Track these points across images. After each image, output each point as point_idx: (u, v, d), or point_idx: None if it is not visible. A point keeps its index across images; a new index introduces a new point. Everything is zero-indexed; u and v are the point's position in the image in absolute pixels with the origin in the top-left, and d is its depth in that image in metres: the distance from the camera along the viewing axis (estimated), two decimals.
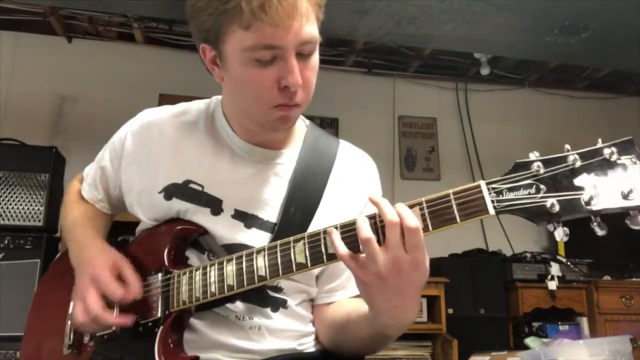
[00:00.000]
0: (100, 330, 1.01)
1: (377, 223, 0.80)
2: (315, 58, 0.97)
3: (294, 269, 0.87)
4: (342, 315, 1.02)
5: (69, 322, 1.09)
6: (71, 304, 1.07)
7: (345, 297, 1.06)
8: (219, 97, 1.15)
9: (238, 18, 0.88)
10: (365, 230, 0.78)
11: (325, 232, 0.85)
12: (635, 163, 0.71)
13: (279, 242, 0.90)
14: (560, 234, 0.74)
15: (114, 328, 1.01)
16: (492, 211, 0.75)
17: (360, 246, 0.79)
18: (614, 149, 0.72)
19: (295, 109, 0.98)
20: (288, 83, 0.91)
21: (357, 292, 0.97)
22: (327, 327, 1.06)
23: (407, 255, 0.76)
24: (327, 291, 1.07)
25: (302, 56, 0.93)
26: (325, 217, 1.04)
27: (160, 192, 1.06)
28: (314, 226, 1.03)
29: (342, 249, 0.80)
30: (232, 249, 1.01)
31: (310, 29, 0.91)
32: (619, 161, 0.71)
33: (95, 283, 0.99)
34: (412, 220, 0.76)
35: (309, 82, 0.96)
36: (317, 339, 1.08)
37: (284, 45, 0.89)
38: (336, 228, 0.83)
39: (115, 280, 0.99)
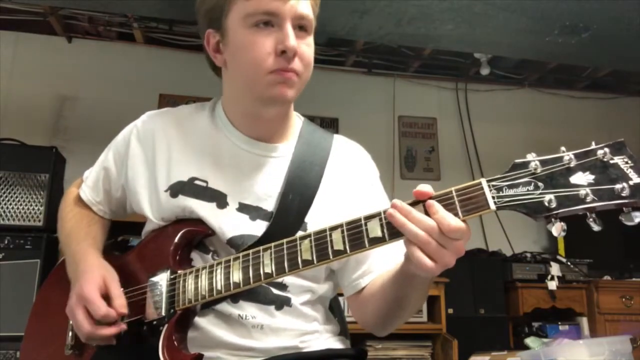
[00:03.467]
0: (102, 342, 1.01)
1: (383, 220, 0.83)
2: (311, 40, 1.04)
3: (300, 266, 0.89)
4: (377, 288, 1.03)
5: (71, 323, 1.09)
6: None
7: (372, 279, 1.07)
8: (220, 98, 1.17)
9: None
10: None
11: (331, 229, 0.87)
12: (626, 163, 0.74)
13: (285, 240, 0.92)
14: (558, 229, 0.77)
15: None
16: (493, 206, 0.78)
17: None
18: (606, 149, 0.75)
19: (292, 76, 1.01)
20: (285, 47, 0.98)
21: (381, 272, 1.01)
22: (372, 305, 1.05)
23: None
24: (356, 278, 1.08)
25: (300, 31, 1.02)
26: (323, 205, 1.07)
27: (166, 191, 1.08)
28: (312, 214, 1.06)
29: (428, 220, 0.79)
30: (239, 240, 1.03)
31: (306, 8, 1.02)
32: (611, 161, 0.75)
33: (82, 300, 1.00)
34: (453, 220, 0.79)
35: (307, 56, 1.03)
36: (365, 328, 1.09)
37: (281, 13, 0.98)
38: (342, 226, 0.86)
39: (99, 298, 0.99)
